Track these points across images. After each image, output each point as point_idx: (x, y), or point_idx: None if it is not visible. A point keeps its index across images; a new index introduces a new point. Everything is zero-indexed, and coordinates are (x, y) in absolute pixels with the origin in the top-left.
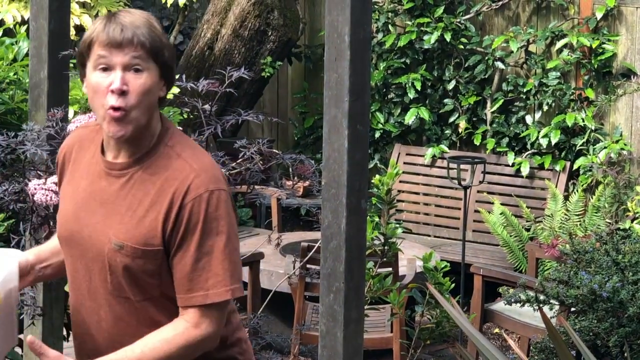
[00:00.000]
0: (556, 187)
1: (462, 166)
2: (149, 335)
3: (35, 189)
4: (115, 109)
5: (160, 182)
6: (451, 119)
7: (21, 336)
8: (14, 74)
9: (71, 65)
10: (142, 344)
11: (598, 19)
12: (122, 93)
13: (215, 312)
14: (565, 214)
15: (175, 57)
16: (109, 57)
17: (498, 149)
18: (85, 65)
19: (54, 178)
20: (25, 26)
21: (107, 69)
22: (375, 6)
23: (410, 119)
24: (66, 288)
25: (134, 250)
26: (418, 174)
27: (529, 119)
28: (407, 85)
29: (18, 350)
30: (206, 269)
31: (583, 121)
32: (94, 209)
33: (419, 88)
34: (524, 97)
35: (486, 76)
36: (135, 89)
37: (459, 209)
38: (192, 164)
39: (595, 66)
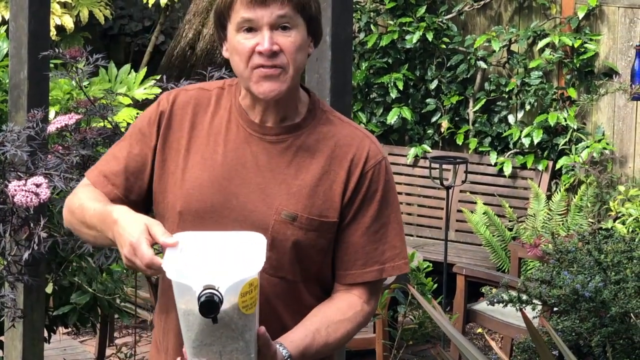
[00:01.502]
0: (539, 186)
1: (444, 166)
2: (324, 312)
3: (15, 190)
4: (266, 66)
5: (329, 148)
6: (433, 119)
7: (2, 338)
8: None
9: (51, 65)
10: (323, 323)
11: (580, 18)
12: (273, 54)
13: (380, 287)
14: (548, 214)
15: (321, 10)
16: (253, 17)
17: (480, 149)
18: (226, 27)
19: (35, 179)
20: (5, 26)
21: (252, 29)
22: (357, 6)
23: (392, 118)
24: (47, 290)
25: (309, 222)
26: (400, 174)
27: (511, 119)
28: (389, 85)
29: None
30: (382, 241)
31: (565, 121)
32: (244, 177)
33: (401, 88)
34: (506, 96)
35: (468, 76)
36: (287, 47)
37: (442, 208)
38: (361, 129)
39: (578, 66)
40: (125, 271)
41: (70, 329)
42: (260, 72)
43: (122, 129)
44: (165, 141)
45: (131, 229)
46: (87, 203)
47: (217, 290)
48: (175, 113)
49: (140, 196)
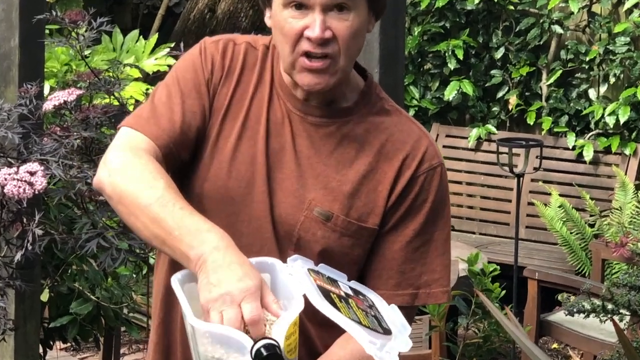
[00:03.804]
0: (625, 174)
1: (513, 150)
2: (352, 346)
3: (5, 179)
4: (313, 56)
5: (379, 142)
6: (500, 94)
7: None
8: None
9: (47, 31)
10: (353, 355)
11: None
12: (324, 42)
13: (413, 315)
14: (637, 207)
15: None
16: None
17: (556, 130)
18: None
19: (28, 166)
20: None
21: (302, 6)
22: None
23: (450, 94)
24: (43, 297)
25: (347, 225)
26: (460, 160)
27: (592, 94)
28: (446, 54)
29: None
30: (421, 262)
31: None
32: (280, 160)
33: (460, 57)
34: (587, 67)
35: (541, 42)
36: (342, 35)
37: (510, 201)
38: (421, 127)
39: None
40: (134, 275)
41: (69, 344)
42: (305, 63)
43: (130, 107)
44: (215, 96)
45: (241, 279)
46: (145, 193)
47: (271, 340)
48: (225, 65)
49: (190, 157)
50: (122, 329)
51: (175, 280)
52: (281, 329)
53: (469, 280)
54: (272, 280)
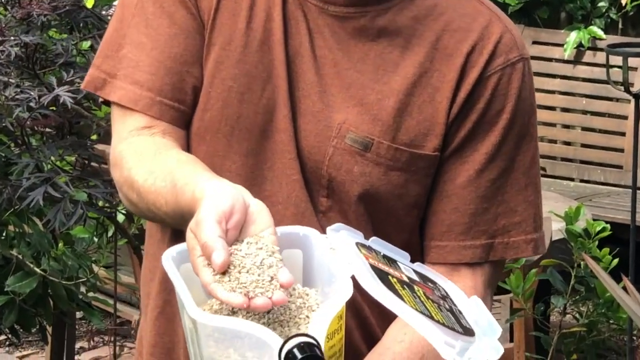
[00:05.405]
0: None
1: (629, 61)
2: (417, 335)
3: None
4: None
5: (433, 34)
6: None
7: None
8: None
9: None
10: (417, 351)
11: None
12: None
13: (498, 276)
14: None
15: None
16: None
17: None
18: None
19: None
20: None
21: None
22: None
23: None
24: None
25: (394, 153)
26: (553, 77)
27: None
28: None
29: None
30: (498, 199)
31: None
32: (295, 72)
33: None
34: None
35: None
36: None
37: (623, 134)
38: (490, 5)
39: None
40: (96, 239)
41: (4, 336)
42: None
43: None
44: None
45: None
46: (144, 177)
47: (307, 337)
48: None
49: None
50: (79, 314)
51: (169, 257)
52: (322, 324)
53: (567, 245)
54: (304, 259)
